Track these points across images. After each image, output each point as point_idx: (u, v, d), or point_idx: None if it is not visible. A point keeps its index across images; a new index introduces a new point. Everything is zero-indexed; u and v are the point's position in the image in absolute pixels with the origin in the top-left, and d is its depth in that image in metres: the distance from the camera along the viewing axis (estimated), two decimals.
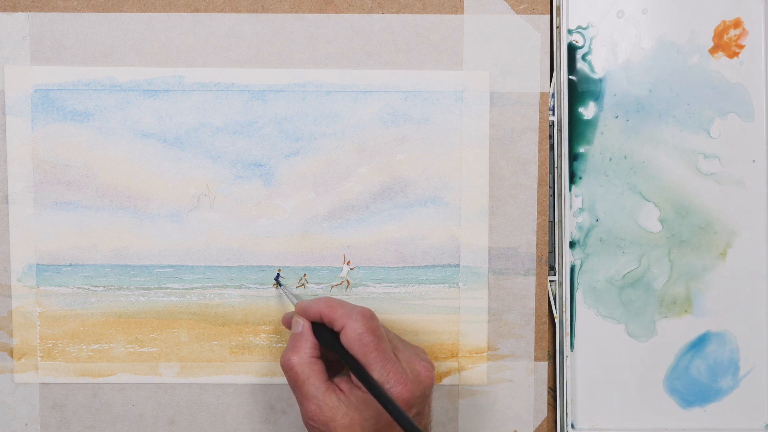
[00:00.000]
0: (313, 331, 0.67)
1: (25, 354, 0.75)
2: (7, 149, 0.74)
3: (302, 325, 0.68)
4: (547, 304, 0.77)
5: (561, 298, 0.77)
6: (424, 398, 0.66)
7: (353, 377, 0.65)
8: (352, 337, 0.65)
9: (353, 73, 0.75)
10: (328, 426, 0.64)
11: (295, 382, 0.66)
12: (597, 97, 0.77)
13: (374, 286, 0.76)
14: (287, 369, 0.66)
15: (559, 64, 0.76)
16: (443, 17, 0.74)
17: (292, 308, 0.74)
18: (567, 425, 0.77)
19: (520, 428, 0.77)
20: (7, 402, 0.76)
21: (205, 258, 0.75)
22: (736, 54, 0.77)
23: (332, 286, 0.76)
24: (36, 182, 0.75)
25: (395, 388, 0.63)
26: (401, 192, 0.75)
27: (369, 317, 0.66)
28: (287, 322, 0.72)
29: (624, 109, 0.77)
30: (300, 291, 0.76)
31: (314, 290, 0.76)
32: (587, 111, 0.77)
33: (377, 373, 0.64)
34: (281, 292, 0.75)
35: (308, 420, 0.65)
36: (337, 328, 0.66)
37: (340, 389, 0.65)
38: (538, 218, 0.76)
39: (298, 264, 0.75)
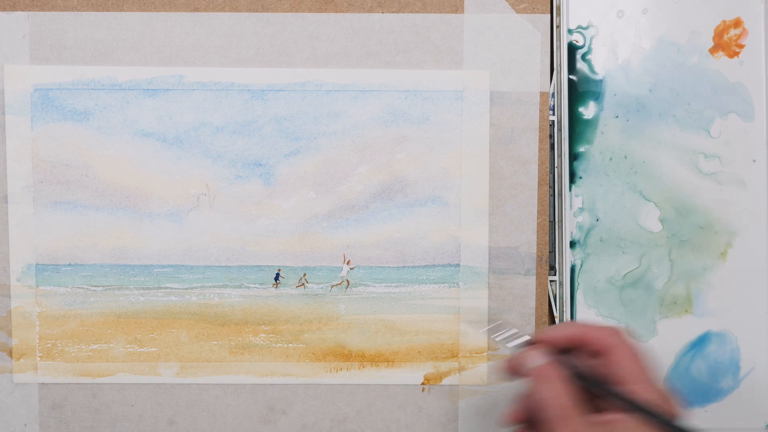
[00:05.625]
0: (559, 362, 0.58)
1: (24, 354, 0.75)
2: (7, 149, 0.74)
3: (548, 359, 0.57)
4: (547, 304, 0.77)
5: (561, 297, 0.76)
6: None
7: (609, 401, 0.56)
8: (627, 355, 0.56)
9: (353, 73, 0.75)
10: None
11: (556, 418, 0.55)
12: (597, 96, 0.77)
13: (374, 286, 0.76)
14: (547, 409, 0.56)
15: (559, 63, 0.76)
16: (443, 16, 0.74)
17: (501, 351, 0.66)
18: None
19: None
20: (6, 402, 0.76)
21: (205, 258, 0.75)
22: (736, 54, 0.77)
23: (332, 286, 0.76)
24: (35, 182, 0.74)
25: (670, 410, 0.55)
26: (401, 191, 0.75)
27: (627, 332, 0.58)
28: (514, 365, 0.59)
29: (624, 108, 0.77)
30: (300, 291, 0.76)
31: (314, 290, 0.76)
32: (587, 111, 0.77)
33: (652, 395, 0.55)
34: (495, 339, 0.63)
35: None
36: (600, 348, 0.57)
37: (599, 420, 0.55)
38: (538, 218, 0.76)
39: (298, 264, 0.75)
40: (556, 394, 0.55)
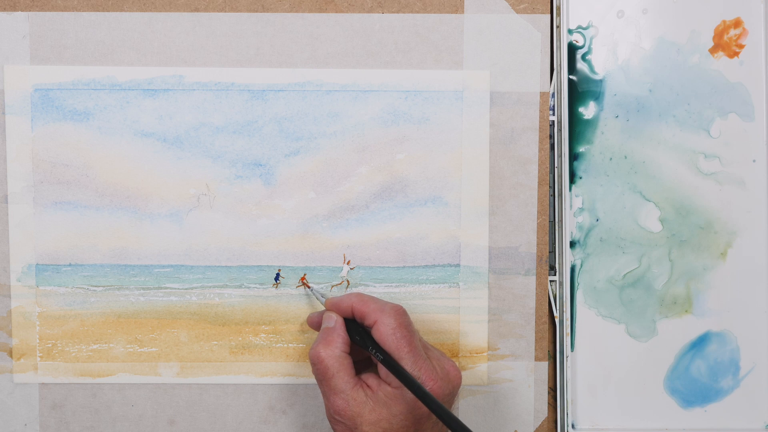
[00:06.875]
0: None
1: (24, 354, 0.75)
2: (7, 149, 0.74)
3: (334, 320, 0.68)
4: (547, 304, 0.77)
5: (561, 298, 0.76)
6: (451, 397, 0.67)
7: (382, 373, 0.65)
8: (385, 332, 0.65)
9: (353, 73, 0.75)
10: (355, 421, 0.64)
11: (323, 376, 0.66)
12: (597, 96, 0.77)
13: (374, 286, 0.76)
14: (317, 362, 0.66)
15: (559, 63, 0.76)
16: (443, 17, 0.74)
17: (317, 308, 0.75)
18: (567, 425, 0.77)
19: (521, 428, 0.77)
20: (6, 402, 0.76)
21: (205, 258, 0.75)
22: (736, 54, 0.77)
23: (332, 286, 0.76)
24: (35, 182, 0.74)
25: (426, 384, 0.64)
26: (401, 192, 0.75)
27: (402, 313, 0.66)
28: (313, 321, 0.72)
29: (624, 108, 0.77)
30: (301, 291, 0.76)
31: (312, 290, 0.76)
32: (587, 111, 0.77)
33: (409, 368, 0.64)
34: (309, 293, 0.75)
35: (334, 414, 0.65)
36: (369, 322, 0.66)
37: (368, 385, 0.66)
38: (538, 218, 0.76)
39: (298, 264, 0.75)
40: (332, 354, 0.66)
